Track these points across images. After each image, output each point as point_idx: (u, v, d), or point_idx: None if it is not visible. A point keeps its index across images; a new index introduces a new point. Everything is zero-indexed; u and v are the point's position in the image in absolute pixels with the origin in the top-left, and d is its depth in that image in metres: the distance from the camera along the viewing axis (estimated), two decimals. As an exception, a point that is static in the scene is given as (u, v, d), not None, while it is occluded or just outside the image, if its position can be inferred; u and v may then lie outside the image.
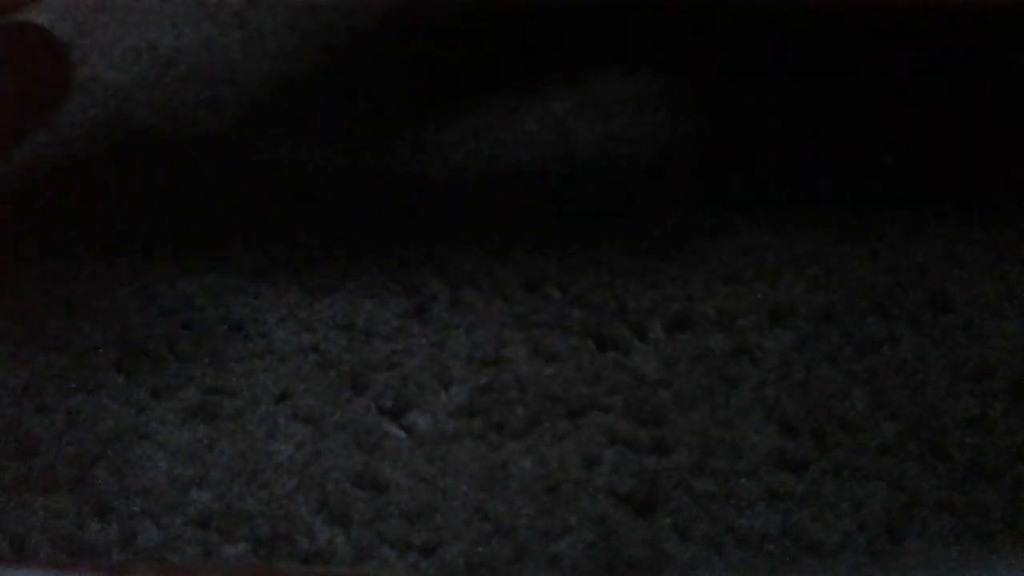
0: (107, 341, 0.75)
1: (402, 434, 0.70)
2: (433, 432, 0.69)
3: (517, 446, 0.68)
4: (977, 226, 0.76)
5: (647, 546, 0.64)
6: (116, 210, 0.82)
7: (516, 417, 0.69)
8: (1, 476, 0.69)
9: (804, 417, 0.68)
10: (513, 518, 0.66)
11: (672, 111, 0.85)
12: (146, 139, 0.87)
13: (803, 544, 0.63)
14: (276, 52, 0.92)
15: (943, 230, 0.76)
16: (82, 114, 0.89)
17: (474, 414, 0.70)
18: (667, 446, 0.68)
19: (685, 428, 0.68)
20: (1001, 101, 0.81)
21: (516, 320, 0.74)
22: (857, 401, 0.68)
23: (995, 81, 0.83)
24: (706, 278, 0.75)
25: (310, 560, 0.65)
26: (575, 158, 0.82)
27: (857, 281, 0.74)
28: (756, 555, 0.63)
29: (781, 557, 0.63)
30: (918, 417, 0.67)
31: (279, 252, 0.79)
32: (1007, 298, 0.72)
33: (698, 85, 0.87)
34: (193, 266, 0.79)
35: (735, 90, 0.86)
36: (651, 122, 0.84)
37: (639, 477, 0.66)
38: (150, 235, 0.80)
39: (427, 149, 0.84)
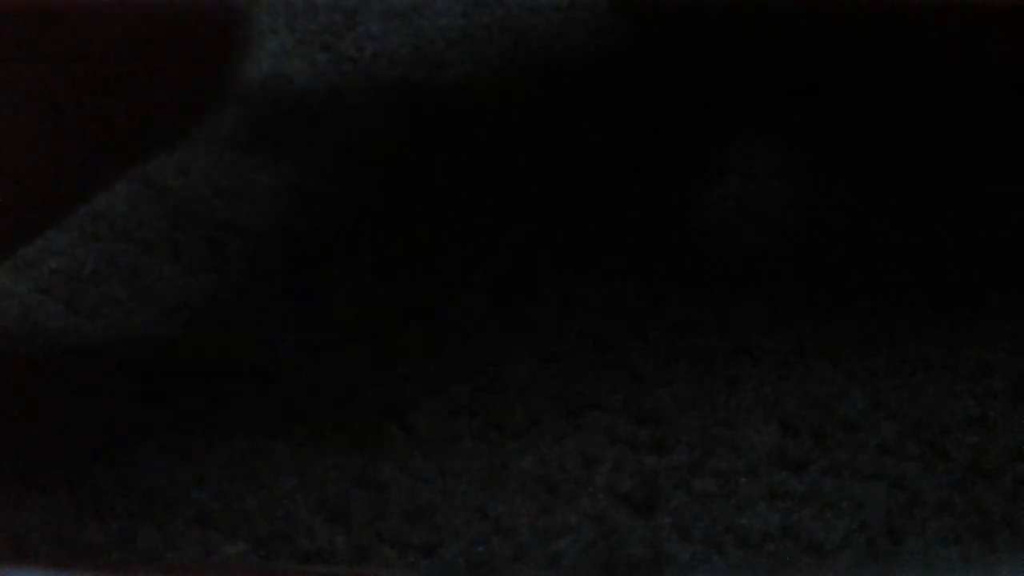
0: (108, 340, 0.75)
1: (402, 434, 0.70)
2: (433, 432, 0.69)
3: (517, 446, 0.68)
4: (977, 227, 0.76)
5: (647, 545, 0.64)
6: (114, 209, 0.82)
7: (516, 417, 0.69)
8: (1, 476, 0.69)
9: (804, 417, 0.68)
10: (513, 518, 0.66)
11: (672, 111, 0.85)
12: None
13: (803, 543, 0.64)
14: (276, 52, 0.92)
15: (942, 231, 0.76)
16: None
17: (474, 414, 0.70)
18: (667, 445, 0.68)
19: (685, 428, 0.68)
20: (1002, 100, 0.81)
21: (516, 320, 0.74)
22: (857, 401, 0.68)
23: (996, 81, 0.83)
24: (706, 278, 0.75)
25: (310, 560, 0.65)
26: (576, 158, 0.83)
27: (857, 282, 0.74)
28: (756, 555, 0.63)
29: (781, 557, 0.63)
30: (918, 417, 0.67)
31: (279, 252, 0.79)
32: (1006, 298, 0.72)
33: (698, 84, 0.87)
34: (193, 266, 0.79)
35: (735, 90, 0.86)
36: (651, 122, 0.84)
37: (639, 476, 0.66)
38: (149, 234, 0.80)
39: (425, 148, 0.84)
